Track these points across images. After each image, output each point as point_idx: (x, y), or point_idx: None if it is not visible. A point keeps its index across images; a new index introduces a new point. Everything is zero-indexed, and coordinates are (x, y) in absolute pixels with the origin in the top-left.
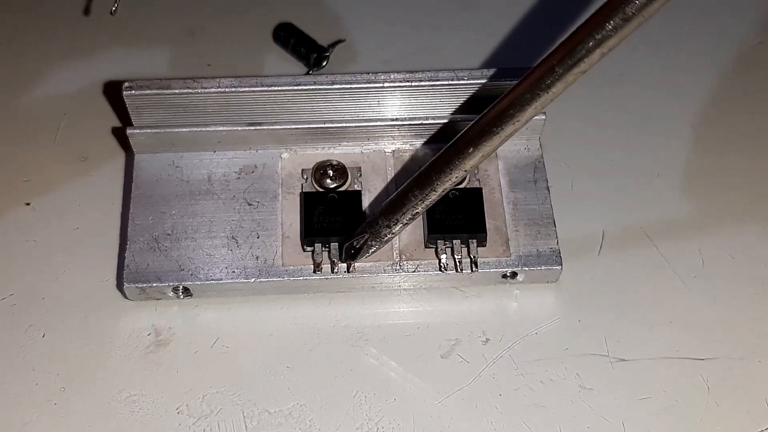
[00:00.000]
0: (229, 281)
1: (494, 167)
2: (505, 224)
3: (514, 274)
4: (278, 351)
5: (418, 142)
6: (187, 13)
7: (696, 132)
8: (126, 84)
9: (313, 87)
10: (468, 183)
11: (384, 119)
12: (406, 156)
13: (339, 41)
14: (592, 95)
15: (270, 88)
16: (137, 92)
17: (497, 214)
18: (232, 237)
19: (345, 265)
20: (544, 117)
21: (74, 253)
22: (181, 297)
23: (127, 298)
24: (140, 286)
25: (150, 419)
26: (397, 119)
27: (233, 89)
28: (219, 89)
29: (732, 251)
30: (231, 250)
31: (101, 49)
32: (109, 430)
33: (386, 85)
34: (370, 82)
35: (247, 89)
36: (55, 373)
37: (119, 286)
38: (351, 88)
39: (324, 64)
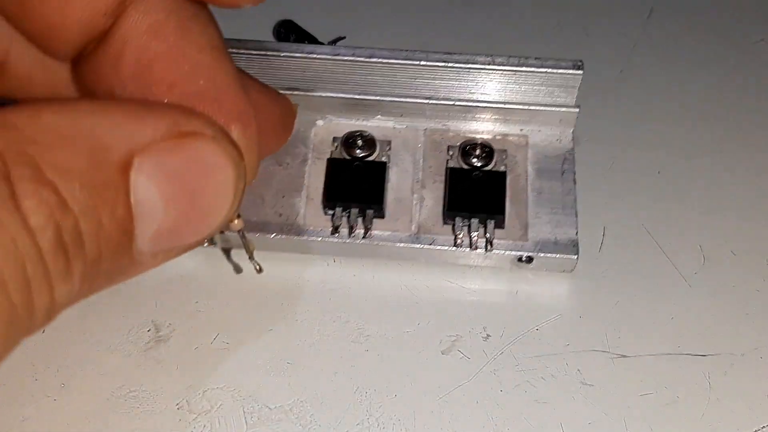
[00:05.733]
0: (251, 234)
1: (523, 155)
2: (526, 210)
3: (529, 259)
4: (278, 347)
5: (451, 123)
6: None
7: (697, 128)
8: None
9: (351, 59)
10: (494, 166)
11: (418, 97)
12: (437, 136)
13: (339, 38)
14: (592, 92)
15: (309, 56)
16: None
17: (520, 200)
18: (259, 194)
19: (362, 231)
20: (577, 110)
21: None
22: (205, 245)
23: None
24: None
25: (150, 415)
26: (431, 98)
27: (275, 53)
28: (261, 51)
29: (733, 247)
30: (256, 206)
31: None
32: (108, 426)
33: (423, 63)
34: (408, 59)
35: (287, 54)
36: (55, 369)
37: None
38: (388, 63)
39: None
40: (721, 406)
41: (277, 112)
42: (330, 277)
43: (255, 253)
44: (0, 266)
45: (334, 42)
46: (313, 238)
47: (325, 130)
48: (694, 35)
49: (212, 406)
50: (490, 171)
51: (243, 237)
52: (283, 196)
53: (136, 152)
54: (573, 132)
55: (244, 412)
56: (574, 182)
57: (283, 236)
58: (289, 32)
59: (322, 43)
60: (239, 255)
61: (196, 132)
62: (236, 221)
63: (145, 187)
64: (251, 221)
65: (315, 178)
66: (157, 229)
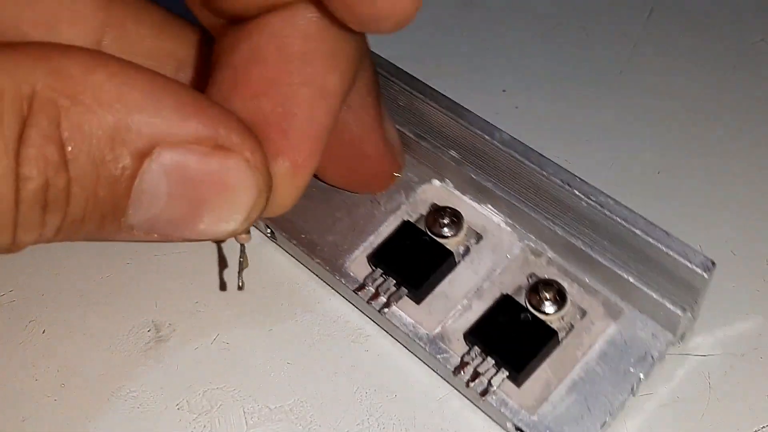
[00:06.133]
0: (298, 246)
1: (601, 327)
2: (557, 384)
3: None
4: (278, 347)
5: (554, 254)
6: (187, 11)
7: (697, 128)
8: None
9: (488, 138)
10: (560, 320)
11: (532, 209)
12: (533, 257)
13: None
14: (592, 92)
15: (451, 115)
16: None
17: (561, 369)
18: (334, 217)
19: (383, 302)
20: (681, 314)
21: (74, 249)
22: (268, 236)
23: None
24: None
25: (150, 415)
26: (542, 214)
27: (422, 98)
28: (410, 89)
29: (733, 247)
30: (323, 226)
31: None
32: (108, 426)
33: (554, 180)
34: (544, 171)
35: (433, 105)
36: (55, 369)
37: None
38: (522, 164)
39: None
40: (721, 406)
41: (380, 169)
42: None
43: (244, 272)
44: None
45: None
46: (344, 283)
47: (434, 192)
48: (694, 35)
49: (212, 406)
50: (540, 322)
51: (243, 252)
52: (354, 230)
53: (161, 144)
54: (673, 338)
55: (244, 412)
56: (631, 392)
57: (322, 267)
58: None
59: None
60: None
61: (232, 149)
62: (244, 235)
63: (155, 178)
64: (307, 237)
65: (389, 230)
66: (152, 216)
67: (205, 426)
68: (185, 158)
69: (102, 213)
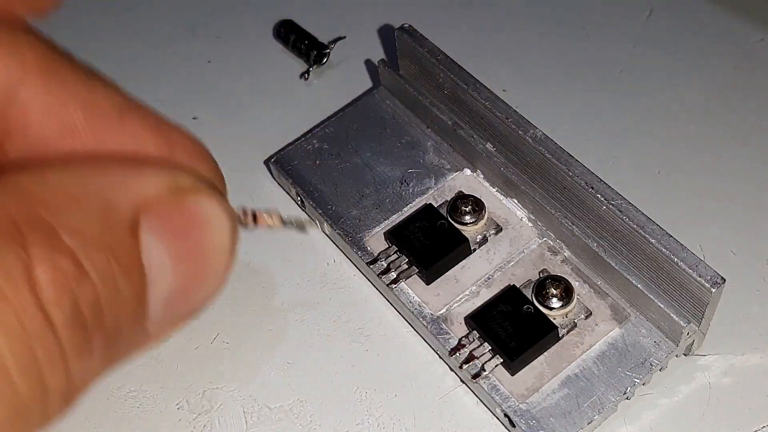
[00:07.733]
0: (324, 218)
1: (606, 329)
2: (550, 377)
3: (512, 423)
4: (278, 346)
5: (570, 254)
6: (187, 10)
7: (697, 128)
8: (404, 25)
9: (521, 133)
10: (564, 318)
11: (555, 210)
12: (548, 254)
13: (339, 38)
14: (592, 92)
15: (493, 113)
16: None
17: (558, 364)
18: (364, 193)
19: (392, 277)
20: (684, 324)
21: None
22: (298, 204)
23: (270, 170)
24: (284, 171)
25: (150, 415)
26: (571, 222)
27: (462, 84)
28: (451, 74)
29: (733, 247)
30: (349, 200)
31: (101, 44)
32: (108, 426)
33: (582, 182)
34: (566, 165)
35: (472, 94)
36: None
37: (267, 160)
38: (550, 160)
39: (324, 61)
40: (721, 406)
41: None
42: (331, 277)
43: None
44: (0, 349)
45: (333, 42)
46: (359, 255)
47: (463, 180)
48: (694, 35)
49: (212, 406)
50: (542, 315)
51: (290, 225)
52: (378, 207)
53: (142, 211)
54: (675, 348)
55: (244, 412)
56: (625, 395)
57: (341, 237)
58: (289, 32)
59: (322, 43)
60: (240, 255)
61: (195, 187)
62: (273, 218)
63: (155, 248)
64: (333, 208)
65: (413, 211)
66: (168, 293)
67: (205, 426)
68: (168, 214)
69: (131, 314)
